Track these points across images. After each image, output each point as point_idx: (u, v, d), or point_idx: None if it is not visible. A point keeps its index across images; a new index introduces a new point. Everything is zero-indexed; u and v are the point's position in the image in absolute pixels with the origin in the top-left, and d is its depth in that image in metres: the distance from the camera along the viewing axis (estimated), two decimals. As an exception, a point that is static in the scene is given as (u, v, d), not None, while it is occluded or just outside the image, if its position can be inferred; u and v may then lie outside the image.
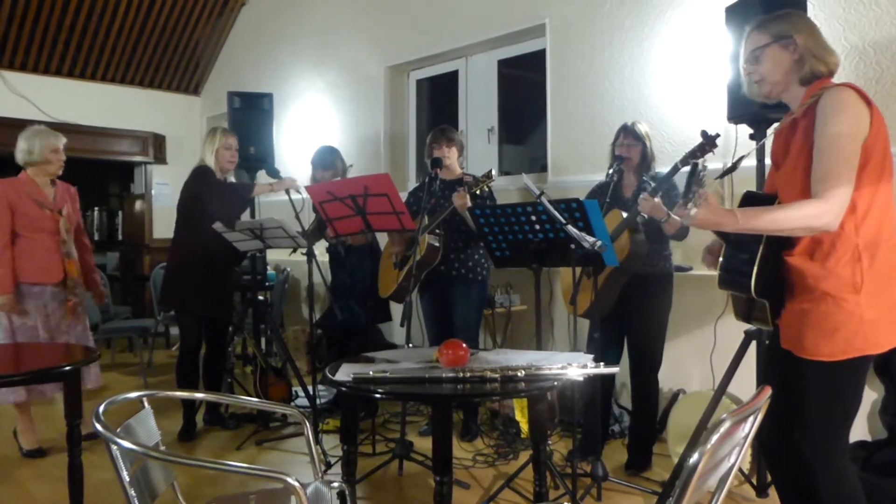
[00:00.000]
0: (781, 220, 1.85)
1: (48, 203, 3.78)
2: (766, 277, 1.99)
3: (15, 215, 3.68)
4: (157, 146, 7.96)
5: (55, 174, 3.84)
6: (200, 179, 3.99)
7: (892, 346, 1.90)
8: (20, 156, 3.78)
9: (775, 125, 2.27)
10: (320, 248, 4.15)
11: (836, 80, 1.90)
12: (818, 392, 1.90)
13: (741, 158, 2.15)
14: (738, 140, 3.33)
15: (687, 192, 1.84)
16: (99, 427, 1.53)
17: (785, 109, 2.10)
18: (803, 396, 1.91)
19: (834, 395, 1.92)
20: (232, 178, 4.27)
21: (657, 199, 2.77)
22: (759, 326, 2.27)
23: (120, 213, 9.11)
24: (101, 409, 1.64)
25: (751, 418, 1.39)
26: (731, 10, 3.10)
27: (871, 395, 3.29)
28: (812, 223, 1.82)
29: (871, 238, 1.87)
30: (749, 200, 2.12)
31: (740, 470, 3.10)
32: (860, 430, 3.30)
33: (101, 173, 9.04)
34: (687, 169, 2.22)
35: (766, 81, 2.01)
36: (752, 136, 3.06)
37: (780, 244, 1.96)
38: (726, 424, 1.25)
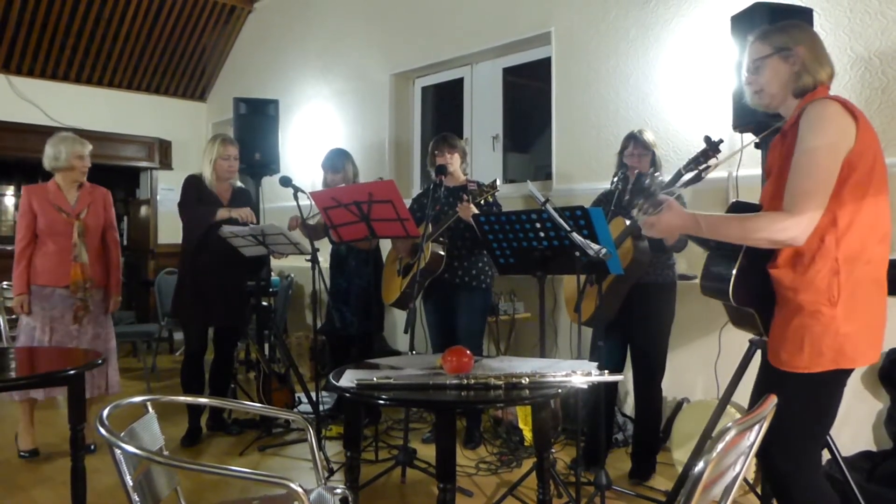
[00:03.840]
0: (747, 229, 1.88)
1: (66, 207, 3.86)
2: (748, 287, 2.00)
3: (36, 219, 3.80)
4: (162, 152, 7.99)
5: (79, 180, 3.93)
6: (182, 190, 4.11)
7: (867, 363, 1.91)
8: (48, 162, 3.89)
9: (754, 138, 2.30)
10: (325, 254, 4.16)
11: (840, 89, 1.90)
12: (792, 404, 1.89)
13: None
14: (742, 149, 3.33)
15: (630, 201, 1.89)
16: (103, 431, 1.53)
17: None
18: (778, 408, 1.92)
19: (807, 407, 1.92)
20: (239, 184, 4.30)
21: None
22: (749, 332, 2.29)
23: (125, 218, 9.13)
24: (105, 413, 1.64)
25: (756, 427, 1.38)
26: (736, 20, 3.10)
27: (877, 405, 3.27)
28: (776, 236, 1.83)
29: (852, 252, 1.85)
30: (736, 210, 2.14)
31: (745, 479, 3.08)
32: (865, 440, 3.28)
33: (106, 178, 9.01)
34: (690, 174, 2.25)
35: (766, 93, 2.02)
36: (757, 146, 3.06)
37: (764, 255, 1.97)
38: (731, 433, 1.25)
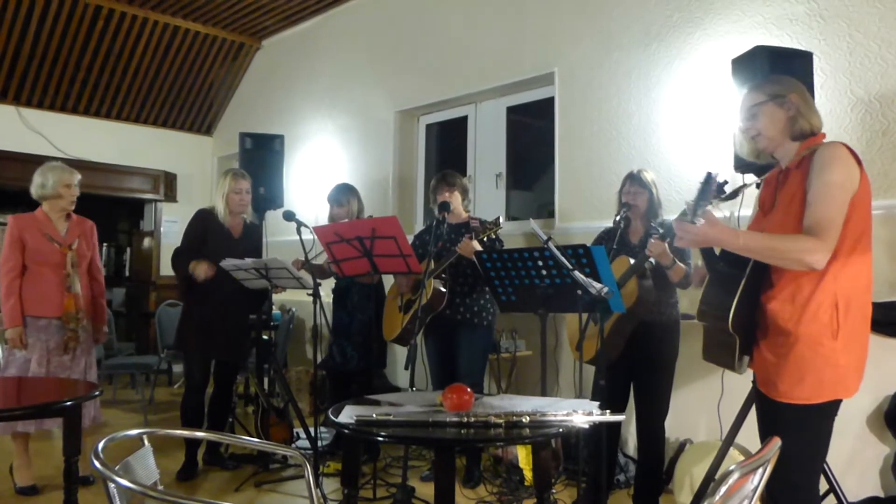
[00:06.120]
0: (780, 247, 1.95)
1: (58, 237, 3.83)
2: (742, 315, 2.07)
3: (25, 249, 3.75)
4: (167, 184, 8.04)
5: (67, 209, 3.90)
6: (187, 226, 4.14)
7: (855, 392, 1.99)
8: (34, 190, 3.87)
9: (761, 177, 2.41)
10: (327, 289, 4.15)
11: (841, 132, 2.00)
12: (792, 436, 1.91)
13: (744, 186, 2.36)
14: (744, 187, 3.35)
15: (697, 204, 1.94)
16: (97, 464, 1.51)
17: None
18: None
19: (807, 438, 1.98)
20: (248, 219, 4.33)
21: (665, 244, 2.80)
22: (721, 366, 2.32)
23: (128, 249, 9.15)
24: (101, 445, 1.62)
25: (759, 470, 1.36)
26: (737, 63, 3.14)
27: (883, 450, 3.22)
28: (805, 257, 1.90)
29: (847, 287, 1.95)
30: (724, 252, 2.20)
31: (749, 524, 3.02)
32: (872, 485, 3.23)
33: (111, 210, 9.11)
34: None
35: (763, 136, 2.13)
36: (758, 185, 3.08)
37: (760, 287, 2.05)
38: (734, 476, 1.23)
